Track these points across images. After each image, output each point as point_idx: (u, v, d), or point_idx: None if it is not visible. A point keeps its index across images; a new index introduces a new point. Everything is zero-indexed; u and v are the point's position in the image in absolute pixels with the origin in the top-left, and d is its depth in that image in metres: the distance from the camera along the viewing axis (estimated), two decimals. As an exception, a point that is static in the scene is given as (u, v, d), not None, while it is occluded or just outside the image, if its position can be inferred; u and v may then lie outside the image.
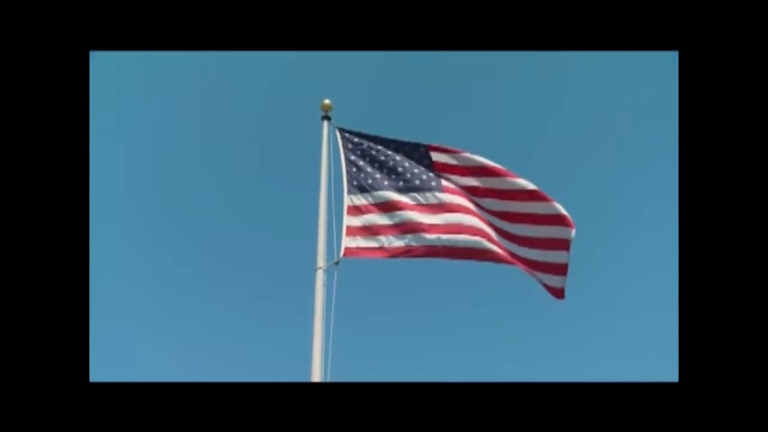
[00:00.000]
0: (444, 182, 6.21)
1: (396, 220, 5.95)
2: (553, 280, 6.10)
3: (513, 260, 6.12)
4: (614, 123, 17.95)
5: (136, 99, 16.90)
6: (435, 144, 6.32)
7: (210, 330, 17.15)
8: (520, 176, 6.15)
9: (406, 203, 6.05)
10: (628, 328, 16.81)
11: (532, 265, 6.11)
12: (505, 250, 6.11)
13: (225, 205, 18.28)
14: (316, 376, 4.71)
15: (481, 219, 6.13)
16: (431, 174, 6.22)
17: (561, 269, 6.03)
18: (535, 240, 6.08)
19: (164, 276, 17.28)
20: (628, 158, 17.96)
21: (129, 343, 16.08)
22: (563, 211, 6.00)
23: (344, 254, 5.59)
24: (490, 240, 6.06)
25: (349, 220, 5.84)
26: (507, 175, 6.14)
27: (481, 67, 18.29)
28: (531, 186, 6.08)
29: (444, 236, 5.94)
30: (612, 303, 17.58)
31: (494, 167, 6.18)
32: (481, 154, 6.29)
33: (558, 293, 6.12)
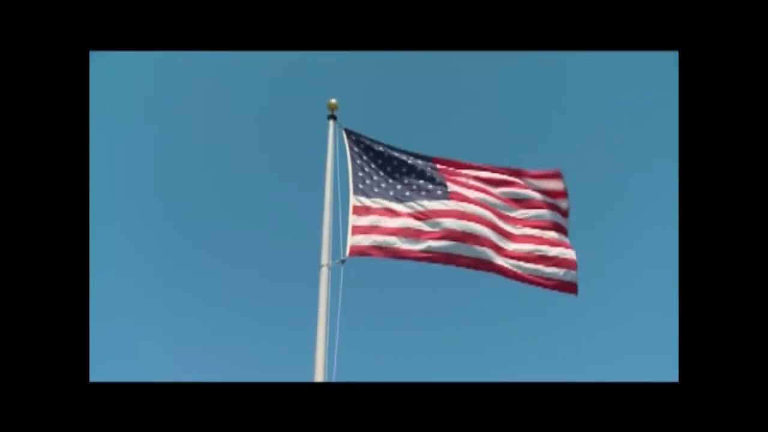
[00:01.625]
0: (451, 188, 6.28)
1: (402, 224, 5.99)
2: (568, 275, 6.26)
3: (517, 274, 6.23)
4: (614, 123, 17.96)
5: (138, 99, 16.91)
6: (440, 157, 6.43)
7: (213, 330, 17.14)
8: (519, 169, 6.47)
9: (412, 212, 6.09)
10: (628, 328, 16.82)
11: (545, 261, 6.26)
12: (512, 256, 6.22)
13: (229, 203, 18.28)
14: (320, 376, 4.68)
15: (490, 224, 6.21)
16: (437, 181, 6.29)
17: (570, 263, 6.26)
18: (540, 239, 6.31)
19: (167, 275, 17.27)
20: (629, 158, 17.96)
21: (130, 343, 16.07)
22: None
23: (350, 253, 5.57)
24: (497, 250, 6.15)
25: (355, 220, 5.83)
26: (509, 172, 6.44)
27: (481, 67, 18.32)
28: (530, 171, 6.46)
29: (449, 243, 6.00)
30: (612, 303, 17.58)
31: (498, 168, 6.45)
32: (482, 154, 6.47)
33: (572, 288, 6.28)
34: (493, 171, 6.49)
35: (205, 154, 18.15)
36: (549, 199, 6.44)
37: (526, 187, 6.45)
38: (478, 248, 6.04)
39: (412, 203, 6.13)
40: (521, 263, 6.19)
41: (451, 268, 6.08)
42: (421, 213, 6.08)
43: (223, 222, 18.13)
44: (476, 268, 6.07)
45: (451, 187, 6.27)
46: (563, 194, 6.47)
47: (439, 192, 6.22)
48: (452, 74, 18.31)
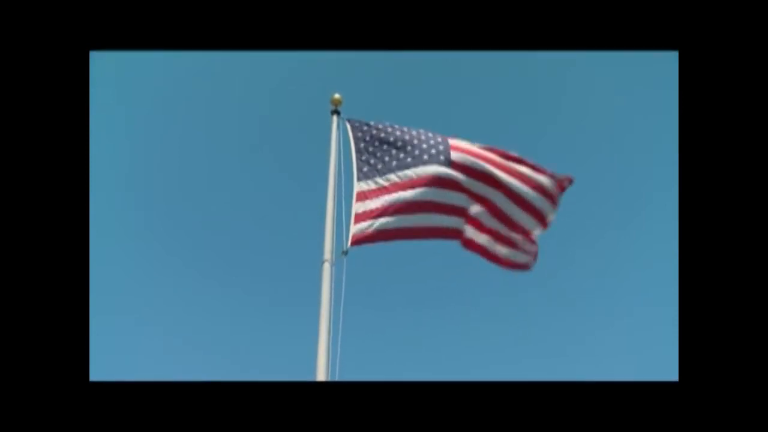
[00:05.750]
0: (454, 157, 6.11)
1: (391, 200, 5.84)
2: (523, 256, 6.31)
3: (486, 253, 6.23)
4: (614, 123, 17.98)
5: (139, 98, 16.92)
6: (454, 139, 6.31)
7: (213, 328, 17.15)
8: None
9: (405, 181, 5.95)
10: (628, 328, 16.83)
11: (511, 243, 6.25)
12: (487, 231, 6.21)
13: (232, 201, 18.31)
14: (321, 375, 4.58)
15: (482, 201, 6.16)
16: (442, 148, 6.14)
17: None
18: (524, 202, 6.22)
19: (169, 272, 17.28)
20: (628, 158, 17.98)
21: (130, 341, 16.08)
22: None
23: (352, 242, 5.46)
24: (473, 224, 6.15)
25: (358, 207, 5.72)
26: (520, 162, 6.28)
27: (481, 67, 18.34)
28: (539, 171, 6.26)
29: (423, 215, 5.93)
30: (612, 301, 17.61)
31: (510, 154, 6.30)
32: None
33: (525, 266, 6.33)
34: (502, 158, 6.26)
35: (208, 153, 18.20)
36: (548, 189, 6.24)
37: (534, 170, 6.25)
38: (452, 217, 6.04)
39: (407, 171, 5.99)
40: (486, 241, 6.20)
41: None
42: (414, 180, 5.93)
43: (226, 220, 18.18)
44: (445, 237, 6.02)
45: (454, 155, 6.13)
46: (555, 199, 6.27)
47: (442, 158, 6.07)
48: (452, 74, 18.35)
